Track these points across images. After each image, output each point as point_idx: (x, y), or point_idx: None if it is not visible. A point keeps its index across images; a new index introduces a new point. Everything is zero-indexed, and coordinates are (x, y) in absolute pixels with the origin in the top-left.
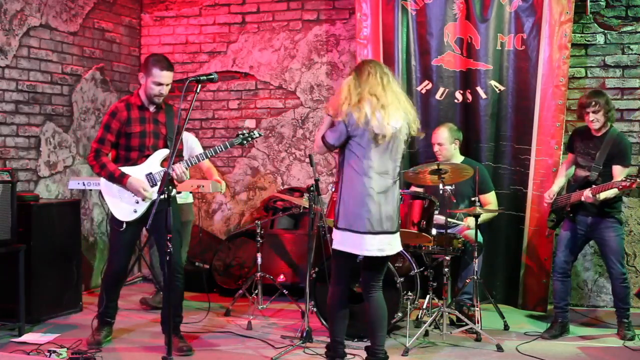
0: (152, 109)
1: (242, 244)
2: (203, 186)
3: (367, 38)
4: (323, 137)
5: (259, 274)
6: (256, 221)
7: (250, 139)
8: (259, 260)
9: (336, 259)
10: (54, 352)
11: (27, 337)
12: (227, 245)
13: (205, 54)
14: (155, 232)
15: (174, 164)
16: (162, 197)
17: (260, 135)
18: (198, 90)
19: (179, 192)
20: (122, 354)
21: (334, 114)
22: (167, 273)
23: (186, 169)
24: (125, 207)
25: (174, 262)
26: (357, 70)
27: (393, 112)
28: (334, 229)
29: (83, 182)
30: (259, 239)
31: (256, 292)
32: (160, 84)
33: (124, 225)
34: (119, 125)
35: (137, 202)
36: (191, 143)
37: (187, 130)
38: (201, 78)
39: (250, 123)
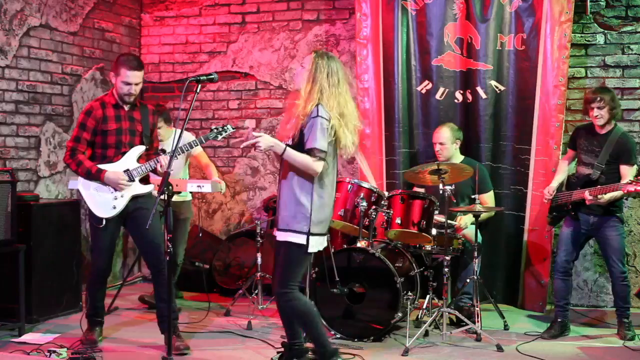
0: (126, 107)
1: (242, 244)
2: (203, 186)
3: (367, 38)
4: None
5: (259, 274)
6: (256, 221)
7: (224, 132)
8: (259, 260)
9: (303, 262)
10: (54, 352)
11: (27, 337)
12: (227, 245)
13: (205, 54)
14: (136, 229)
15: (150, 159)
16: (162, 197)
17: (233, 129)
18: (198, 90)
19: (178, 193)
20: (121, 354)
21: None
22: (167, 273)
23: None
24: (104, 203)
25: (158, 255)
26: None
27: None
28: (309, 235)
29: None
30: (259, 239)
31: (256, 292)
32: (128, 84)
33: (104, 222)
34: (95, 124)
35: (116, 199)
36: (187, 140)
37: (187, 130)
38: (201, 78)
39: (250, 123)
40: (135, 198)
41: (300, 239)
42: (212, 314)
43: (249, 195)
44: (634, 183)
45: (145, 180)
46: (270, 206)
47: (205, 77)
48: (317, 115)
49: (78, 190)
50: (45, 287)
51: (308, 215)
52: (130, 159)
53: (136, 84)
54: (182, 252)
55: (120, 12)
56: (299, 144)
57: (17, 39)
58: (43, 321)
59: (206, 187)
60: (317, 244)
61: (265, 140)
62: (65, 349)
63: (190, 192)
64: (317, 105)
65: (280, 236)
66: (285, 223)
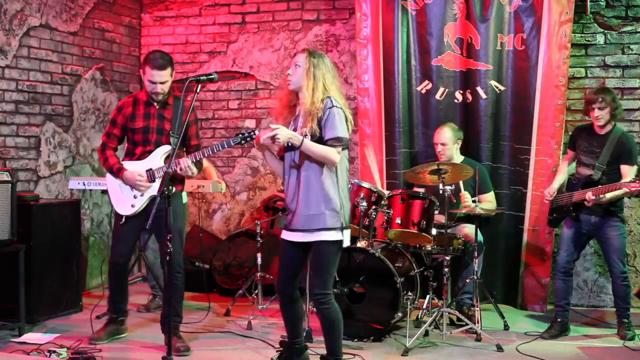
0: (157, 104)
1: (242, 244)
2: (203, 186)
3: (367, 38)
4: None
5: (259, 274)
6: (256, 221)
7: (249, 139)
8: (259, 260)
9: (338, 259)
10: (54, 352)
11: (27, 337)
12: (227, 245)
13: (205, 54)
14: (156, 230)
15: (179, 157)
16: (161, 196)
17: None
18: (198, 90)
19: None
20: (121, 354)
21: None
22: (167, 272)
23: (192, 163)
24: (124, 201)
25: (173, 261)
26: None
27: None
28: (339, 231)
29: (83, 182)
30: (259, 239)
31: (256, 292)
32: (153, 83)
33: (123, 219)
34: (124, 120)
35: (135, 197)
36: None
37: None
38: (201, 78)
39: (250, 123)
40: (156, 198)
41: (337, 236)
42: (212, 314)
43: (249, 195)
44: (637, 181)
45: (174, 181)
46: (270, 206)
47: (205, 77)
48: (334, 106)
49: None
50: (45, 287)
51: (339, 208)
52: (155, 158)
53: (161, 83)
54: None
55: (120, 12)
56: (319, 139)
57: (17, 39)
58: (43, 321)
59: (206, 187)
60: (349, 237)
61: (284, 132)
62: (65, 349)
63: (189, 194)
64: (327, 97)
65: (311, 237)
66: (316, 222)
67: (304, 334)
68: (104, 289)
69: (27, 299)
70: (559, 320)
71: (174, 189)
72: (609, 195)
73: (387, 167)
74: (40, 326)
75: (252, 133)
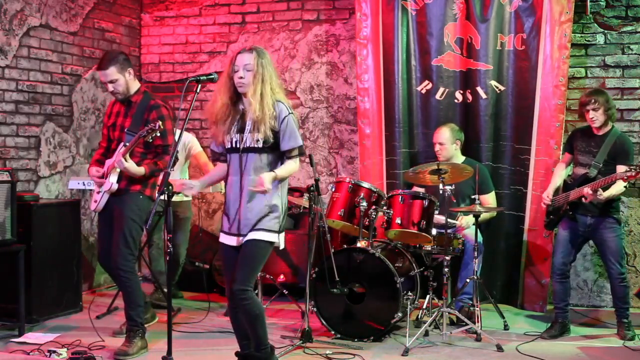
0: (127, 103)
1: None
2: None
3: (367, 38)
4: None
5: (259, 274)
6: None
7: (151, 131)
8: None
9: (264, 261)
10: (54, 352)
11: (27, 337)
12: None
13: (205, 54)
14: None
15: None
16: (161, 197)
17: (161, 128)
18: (198, 90)
19: (178, 193)
20: None
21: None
22: (167, 272)
23: (123, 157)
24: (94, 197)
25: (112, 262)
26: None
27: None
28: (278, 234)
29: (83, 182)
30: None
31: (256, 292)
32: (104, 83)
33: (94, 215)
34: (106, 120)
35: (98, 193)
36: (186, 140)
37: (187, 130)
38: (201, 78)
39: None
40: (113, 195)
41: (273, 237)
42: (212, 314)
43: None
44: (632, 170)
45: (130, 181)
46: None
47: (205, 77)
48: (290, 113)
49: None
50: (45, 287)
51: (279, 214)
52: (115, 154)
53: (110, 82)
54: (184, 252)
55: (120, 12)
56: (274, 146)
57: (17, 39)
58: (43, 321)
59: None
60: (283, 240)
61: (267, 182)
62: (66, 349)
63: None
64: (278, 102)
65: (249, 235)
66: (257, 224)
67: (305, 334)
68: (104, 288)
69: (27, 299)
70: (559, 320)
71: (117, 185)
72: (606, 193)
73: (387, 167)
74: (40, 326)
75: (155, 126)
